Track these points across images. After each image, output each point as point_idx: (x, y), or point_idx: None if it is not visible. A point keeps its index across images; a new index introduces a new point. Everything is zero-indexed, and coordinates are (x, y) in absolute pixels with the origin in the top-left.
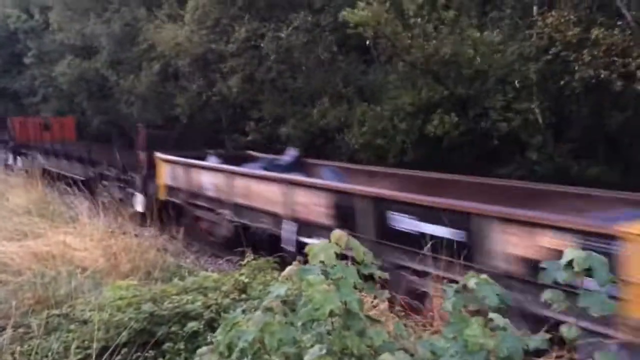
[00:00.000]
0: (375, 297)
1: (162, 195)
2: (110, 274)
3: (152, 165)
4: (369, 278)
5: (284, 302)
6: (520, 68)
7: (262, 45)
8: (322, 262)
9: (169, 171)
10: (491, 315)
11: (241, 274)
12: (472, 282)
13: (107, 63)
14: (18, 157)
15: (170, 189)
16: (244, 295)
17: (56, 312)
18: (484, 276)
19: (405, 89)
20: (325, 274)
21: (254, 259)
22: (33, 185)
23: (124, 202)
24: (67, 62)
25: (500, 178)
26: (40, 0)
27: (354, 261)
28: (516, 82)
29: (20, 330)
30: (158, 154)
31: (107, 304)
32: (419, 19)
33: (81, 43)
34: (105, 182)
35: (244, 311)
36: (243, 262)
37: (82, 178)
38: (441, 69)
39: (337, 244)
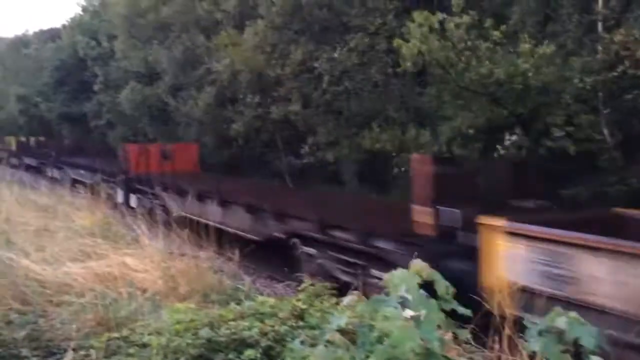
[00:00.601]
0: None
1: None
2: (169, 296)
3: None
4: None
5: (343, 332)
6: (583, 80)
7: (316, 66)
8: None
9: (520, 256)
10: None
11: (298, 300)
12: (561, 322)
13: (167, 88)
14: (132, 195)
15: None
16: (301, 323)
17: (116, 335)
18: (573, 314)
19: (462, 111)
20: (403, 305)
21: (311, 285)
22: (97, 206)
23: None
24: (131, 87)
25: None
26: (107, 28)
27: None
28: (578, 96)
29: (81, 353)
30: (491, 220)
31: (165, 328)
32: (469, 42)
33: (144, 70)
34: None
35: (302, 342)
36: (300, 288)
37: (259, 239)
38: (498, 89)
39: (418, 274)
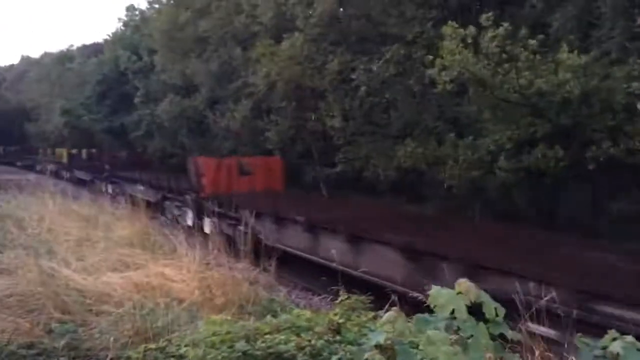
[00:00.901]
0: None
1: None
2: (205, 307)
3: None
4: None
5: (381, 349)
6: (630, 86)
7: (354, 77)
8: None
9: None
10: None
11: (335, 314)
12: (617, 346)
13: (204, 101)
14: (205, 218)
15: None
16: (338, 337)
17: (153, 346)
18: (630, 339)
19: (501, 124)
20: (449, 328)
21: (347, 298)
22: (137, 217)
23: None
24: (169, 100)
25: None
26: (148, 42)
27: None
28: (625, 105)
29: None
30: None
31: (201, 339)
32: (504, 55)
33: (182, 82)
34: None
35: (340, 358)
36: (337, 301)
37: None
38: (539, 100)
39: (465, 294)
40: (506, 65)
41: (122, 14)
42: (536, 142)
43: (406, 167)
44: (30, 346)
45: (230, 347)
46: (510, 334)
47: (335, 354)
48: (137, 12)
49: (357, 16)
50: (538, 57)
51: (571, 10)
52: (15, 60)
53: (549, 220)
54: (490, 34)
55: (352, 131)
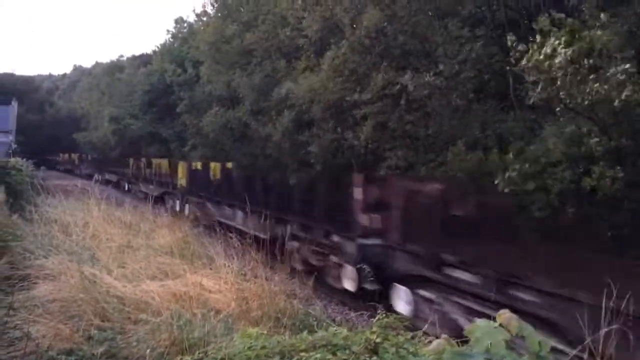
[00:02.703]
0: None
1: None
2: (241, 319)
3: None
4: None
5: None
6: None
7: (400, 80)
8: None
9: None
10: None
11: (372, 332)
12: None
13: (248, 112)
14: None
15: None
16: (375, 358)
17: (189, 358)
18: None
19: (560, 137)
20: None
21: (385, 317)
22: (177, 225)
23: None
24: (214, 111)
25: None
26: (194, 55)
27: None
28: None
29: None
30: None
31: (236, 353)
32: (590, 60)
33: (227, 94)
34: None
35: None
36: (374, 319)
37: None
38: (610, 117)
39: (505, 327)
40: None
41: (171, 26)
42: (596, 161)
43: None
44: (69, 352)
45: None
46: None
47: None
48: (185, 25)
49: (402, 30)
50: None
51: (620, 27)
52: (68, 69)
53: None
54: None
55: (389, 142)
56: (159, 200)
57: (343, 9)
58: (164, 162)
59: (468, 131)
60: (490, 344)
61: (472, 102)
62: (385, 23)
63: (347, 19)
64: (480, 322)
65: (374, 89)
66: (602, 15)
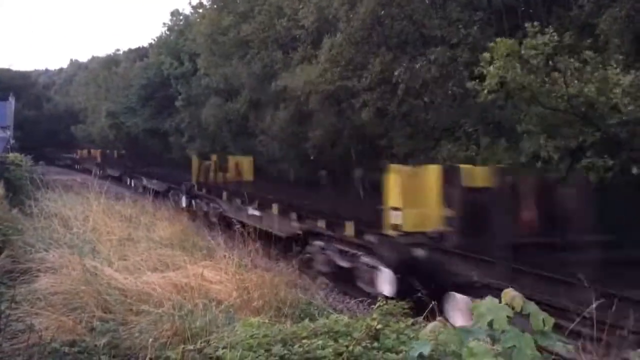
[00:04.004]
0: None
1: None
2: (243, 309)
3: None
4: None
5: None
6: None
7: (395, 74)
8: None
9: None
10: None
11: (373, 319)
12: None
13: (246, 104)
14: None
15: None
16: (376, 344)
17: (191, 347)
18: None
19: (546, 132)
20: (492, 338)
21: (385, 304)
22: (177, 218)
23: None
24: (212, 103)
25: None
26: (191, 47)
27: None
28: None
29: None
30: None
31: (238, 342)
32: (551, 62)
33: (224, 86)
34: None
35: None
36: (374, 306)
37: None
38: (588, 109)
39: (509, 305)
40: (555, 74)
41: (167, 19)
42: (584, 151)
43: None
44: (72, 344)
45: (267, 350)
46: (560, 345)
47: None
48: (181, 17)
49: (399, 17)
50: (588, 68)
51: (619, 12)
52: (64, 64)
53: None
54: (534, 41)
55: (388, 129)
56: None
57: (340, 2)
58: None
59: (466, 119)
60: (493, 320)
61: (470, 90)
62: (382, 11)
63: (342, 11)
64: (484, 301)
65: (372, 75)
66: None
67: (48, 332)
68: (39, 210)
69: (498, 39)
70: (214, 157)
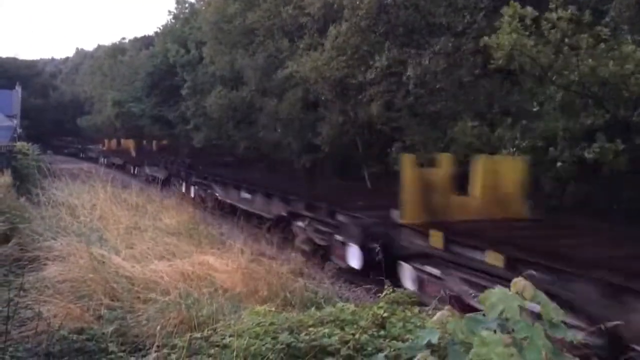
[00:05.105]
0: None
1: None
2: (250, 298)
3: None
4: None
5: (432, 350)
6: None
7: (403, 72)
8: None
9: None
10: None
11: (379, 307)
12: None
13: (252, 92)
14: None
15: None
16: (382, 332)
17: (198, 335)
18: None
19: (559, 113)
20: (502, 328)
21: (392, 292)
22: (184, 207)
23: None
24: (217, 92)
25: None
26: (196, 35)
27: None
28: None
29: (165, 351)
30: None
31: (245, 330)
32: (567, 39)
33: (230, 74)
34: None
35: (386, 356)
36: (381, 295)
37: None
38: (600, 89)
39: (520, 294)
40: (567, 51)
41: (172, 7)
42: (594, 134)
43: (462, 152)
44: (80, 331)
45: (274, 338)
46: (570, 336)
47: (380, 349)
48: (186, 5)
49: (405, 5)
50: (602, 45)
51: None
52: (70, 53)
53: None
54: (554, 15)
55: (396, 120)
56: None
57: None
58: None
59: (474, 105)
60: (504, 309)
61: (479, 77)
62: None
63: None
64: (495, 290)
65: (379, 68)
66: None
67: (56, 320)
68: (47, 198)
69: (506, 7)
70: None
